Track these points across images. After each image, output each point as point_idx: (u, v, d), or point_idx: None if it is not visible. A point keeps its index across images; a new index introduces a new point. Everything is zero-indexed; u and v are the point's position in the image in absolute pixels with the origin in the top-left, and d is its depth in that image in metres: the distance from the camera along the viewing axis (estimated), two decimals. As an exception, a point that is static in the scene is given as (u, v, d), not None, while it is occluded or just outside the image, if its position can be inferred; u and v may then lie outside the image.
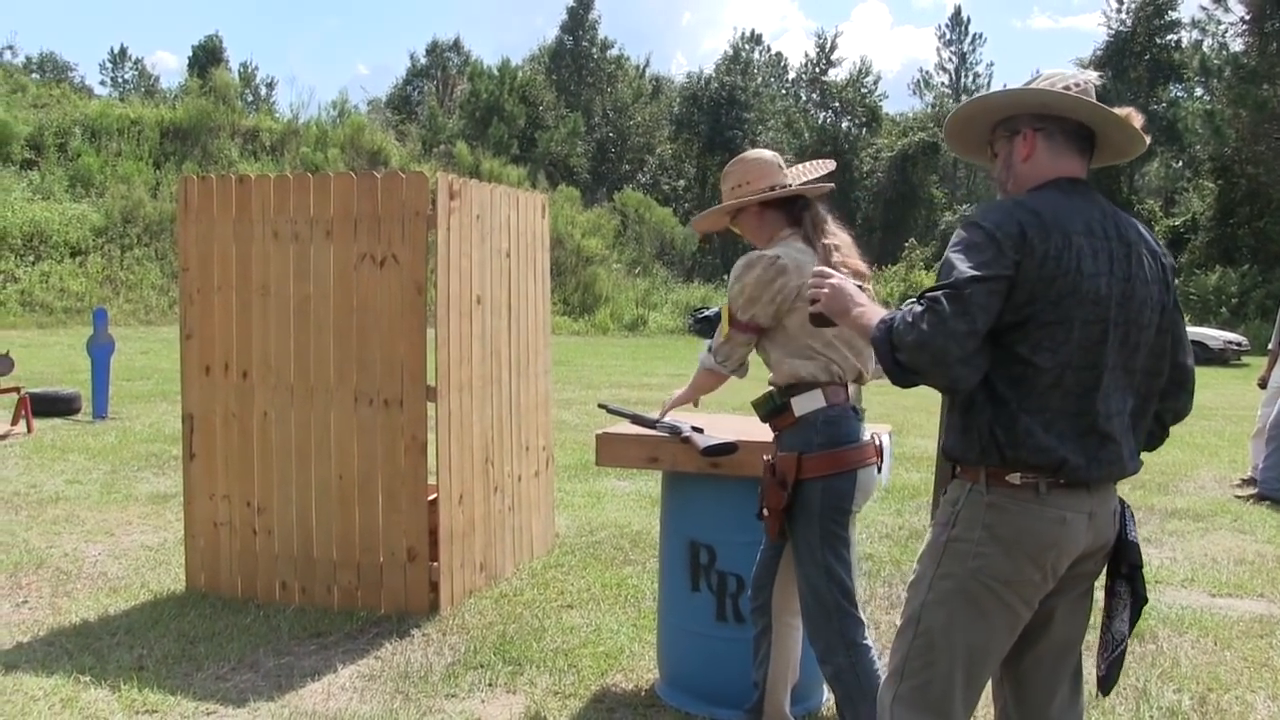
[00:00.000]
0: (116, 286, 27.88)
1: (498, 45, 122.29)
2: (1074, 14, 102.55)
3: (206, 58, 48.10)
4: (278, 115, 42.85)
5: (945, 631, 2.32)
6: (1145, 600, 2.47)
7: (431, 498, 4.87)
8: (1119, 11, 42.66)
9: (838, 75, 55.54)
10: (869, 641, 3.14)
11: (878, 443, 3.28)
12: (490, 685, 4.11)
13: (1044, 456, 2.24)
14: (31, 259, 27.06)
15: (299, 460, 5.00)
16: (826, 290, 2.46)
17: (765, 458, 3.25)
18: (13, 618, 4.85)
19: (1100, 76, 2.51)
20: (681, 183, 49.52)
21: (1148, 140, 2.44)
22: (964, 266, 2.19)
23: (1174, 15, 41.86)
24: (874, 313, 2.35)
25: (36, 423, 10.20)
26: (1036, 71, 2.51)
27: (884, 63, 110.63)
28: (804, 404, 3.11)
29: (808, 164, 3.45)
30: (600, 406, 4.21)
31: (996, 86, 2.62)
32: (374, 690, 4.04)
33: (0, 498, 7.26)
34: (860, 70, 54.90)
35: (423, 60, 57.75)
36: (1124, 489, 7.91)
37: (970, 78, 57.70)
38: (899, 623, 2.45)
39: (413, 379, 4.81)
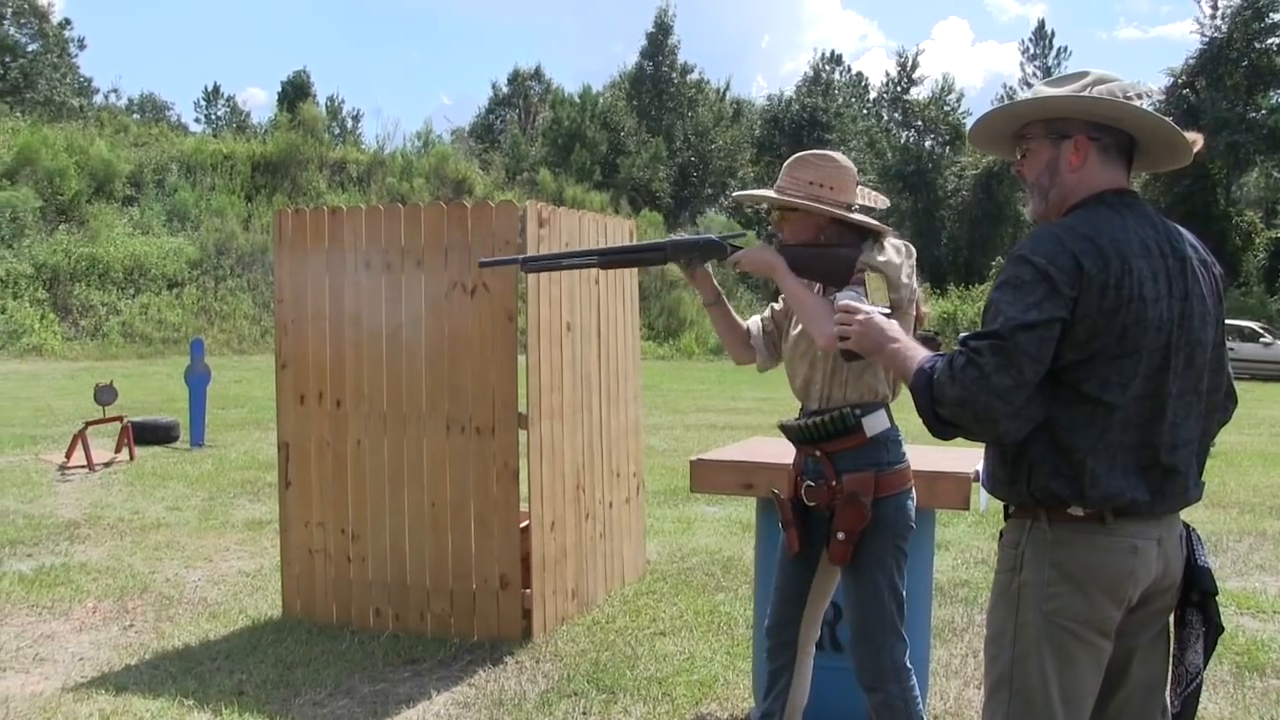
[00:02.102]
0: (211, 317, 28.71)
1: (579, 72, 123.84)
2: (1163, 23, 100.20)
3: (295, 92, 49.30)
4: (364, 147, 43.83)
5: (1041, 685, 2.18)
6: (1221, 629, 2.31)
7: (523, 525, 4.88)
8: (1213, 18, 41.54)
9: (919, 94, 55.12)
10: (911, 665, 3.04)
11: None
12: (584, 713, 4.09)
13: (1111, 501, 2.12)
14: (132, 291, 28.04)
15: (392, 488, 5.04)
16: (856, 327, 2.35)
17: (808, 484, 3.04)
18: (120, 640, 4.98)
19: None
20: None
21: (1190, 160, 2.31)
22: (1010, 310, 2.04)
23: (1275, 18, 40.62)
24: (911, 350, 2.23)
25: (138, 450, 10.48)
26: (1069, 70, 2.34)
27: (966, 79, 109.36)
28: (874, 424, 2.97)
29: (867, 191, 3.21)
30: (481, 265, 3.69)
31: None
32: (468, 718, 4.05)
33: (106, 524, 7.46)
34: (942, 88, 54.42)
35: (505, 89, 58.58)
36: (1232, 514, 7.57)
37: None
38: (986, 681, 2.31)
39: (504, 406, 4.83)
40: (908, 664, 3.01)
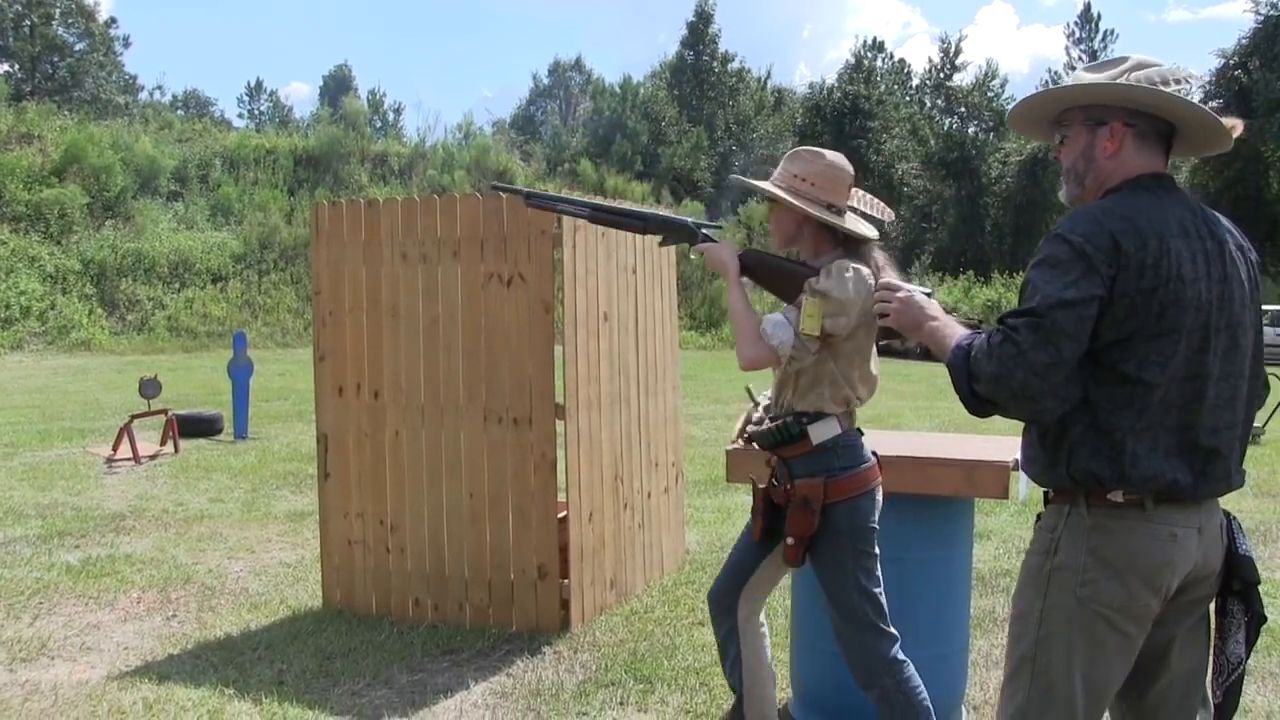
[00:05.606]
0: (255, 310, 29.02)
1: (619, 63, 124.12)
2: (1214, 4, 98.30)
3: (337, 86, 49.72)
4: (405, 140, 44.09)
5: (1064, 668, 2.18)
6: (1264, 619, 2.28)
7: (561, 515, 4.87)
8: (1270, -6, 40.48)
9: (963, 80, 54.48)
10: (905, 657, 3.07)
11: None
12: (622, 704, 4.08)
13: (1152, 483, 2.10)
14: (177, 286, 28.43)
15: (430, 479, 5.06)
16: (895, 304, 2.36)
17: (772, 483, 3.15)
18: (163, 631, 5.03)
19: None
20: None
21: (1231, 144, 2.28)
22: (1048, 289, 2.04)
23: (1335, -5, 39.53)
24: (949, 329, 2.24)
25: (183, 443, 10.61)
26: (1100, 55, 2.31)
27: (1011, 63, 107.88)
28: (820, 432, 3.01)
29: (867, 197, 3.20)
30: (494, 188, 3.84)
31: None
32: (506, 708, 4.05)
33: (151, 515, 7.55)
34: (986, 73, 53.73)
35: (545, 80, 58.73)
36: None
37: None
38: (1008, 662, 2.29)
39: (541, 397, 4.83)
40: (898, 657, 3.04)
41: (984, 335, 2.10)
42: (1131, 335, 2.07)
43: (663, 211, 3.28)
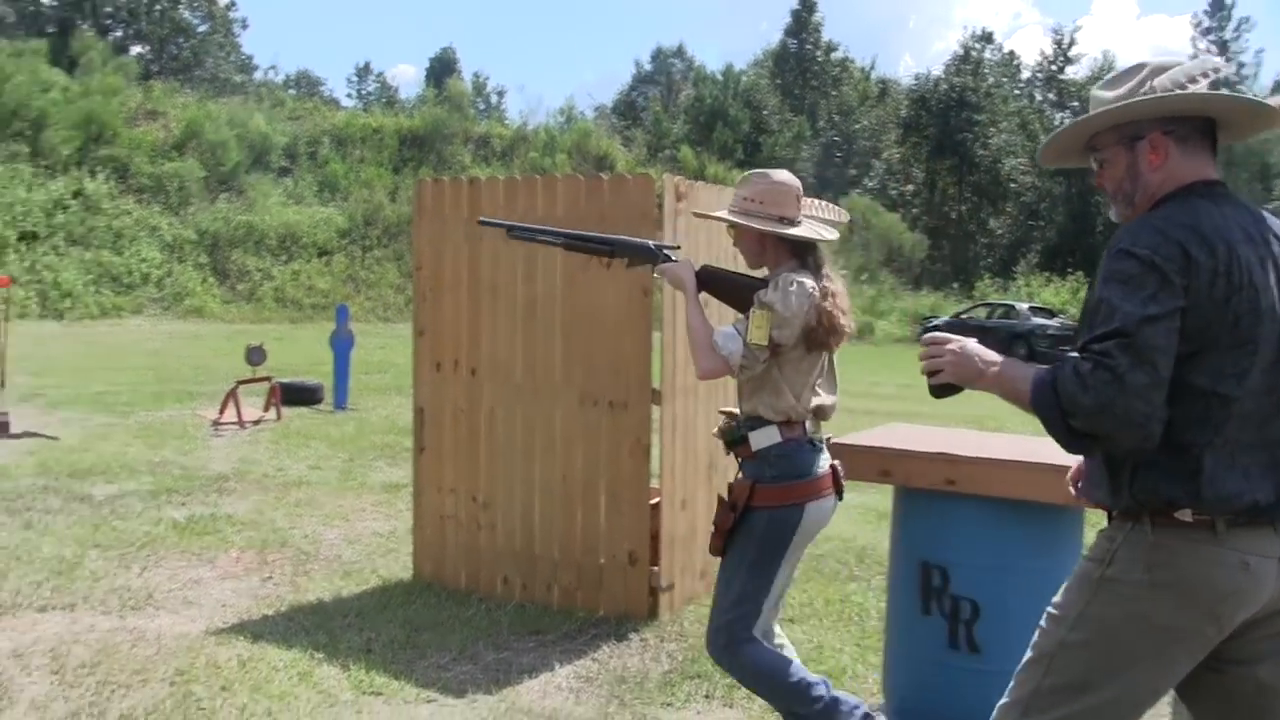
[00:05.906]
0: (358, 285, 29.62)
1: (721, 50, 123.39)
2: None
3: (442, 69, 50.39)
4: (508, 122, 44.51)
5: (1084, 677, 2.05)
6: None
7: (654, 501, 4.82)
8: None
9: (1077, 72, 53.10)
10: (758, 644, 3.14)
11: (839, 472, 3.26)
12: (707, 697, 4.03)
13: (1230, 503, 1.95)
14: (284, 259, 29.19)
15: (524, 458, 5.05)
16: (949, 357, 2.16)
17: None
18: (260, 592, 5.15)
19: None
20: (910, 187, 48.33)
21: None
22: (1128, 306, 1.90)
23: None
24: (1017, 370, 2.06)
25: (284, 411, 10.85)
26: (1108, 59, 2.17)
27: (1130, 56, 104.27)
28: (760, 439, 3.13)
29: (822, 204, 3.37)
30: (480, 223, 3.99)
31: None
32: (590, 692, 4.03)
33: (252, 479, 7.74)
34: (1102, 66, 52.08)
35: (647, 67, 58.79)
36: None
37: (1234, 69, 53.30)
38: (1030, 651, 2.19)
39: (638, 382, 4.78)
40: (748, 650, 3.12)
41: (1065, 366, 1.94)
42: (1204, 348, 1.94)
43: (626, 237, 3.60)
